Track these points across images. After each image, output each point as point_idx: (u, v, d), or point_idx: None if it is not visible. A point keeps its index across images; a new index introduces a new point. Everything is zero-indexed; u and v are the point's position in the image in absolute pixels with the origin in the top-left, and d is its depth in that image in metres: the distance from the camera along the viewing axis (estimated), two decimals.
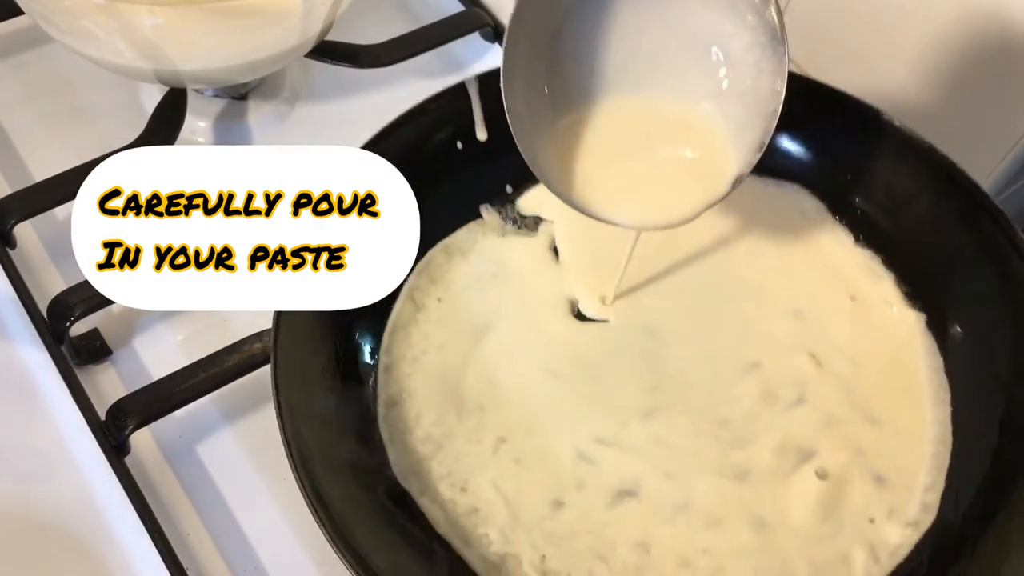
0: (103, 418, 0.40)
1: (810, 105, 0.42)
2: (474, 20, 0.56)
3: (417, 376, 0.38)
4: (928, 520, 0.35)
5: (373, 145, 0.40)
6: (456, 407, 0.38)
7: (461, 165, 0.43)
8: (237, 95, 0.52)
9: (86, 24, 0.43)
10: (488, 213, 0.43)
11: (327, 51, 0.51)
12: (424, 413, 0.37)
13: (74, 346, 0.43)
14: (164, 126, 0.48)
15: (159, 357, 0.43)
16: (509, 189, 0.44)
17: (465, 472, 0.36)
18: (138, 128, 0.48)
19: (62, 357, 0.42)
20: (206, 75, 0.48)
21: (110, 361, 0.44)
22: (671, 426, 0.37)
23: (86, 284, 0.41)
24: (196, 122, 0.51)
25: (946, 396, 0.38)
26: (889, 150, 0.42)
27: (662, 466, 0.36)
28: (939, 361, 0.39)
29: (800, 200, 0.43)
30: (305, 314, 0.37)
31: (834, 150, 0.43)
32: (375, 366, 0.39)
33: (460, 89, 0.42)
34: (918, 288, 0.41)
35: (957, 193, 0.40)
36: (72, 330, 0.43)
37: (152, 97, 0.51)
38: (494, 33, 0.56)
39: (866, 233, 0.42)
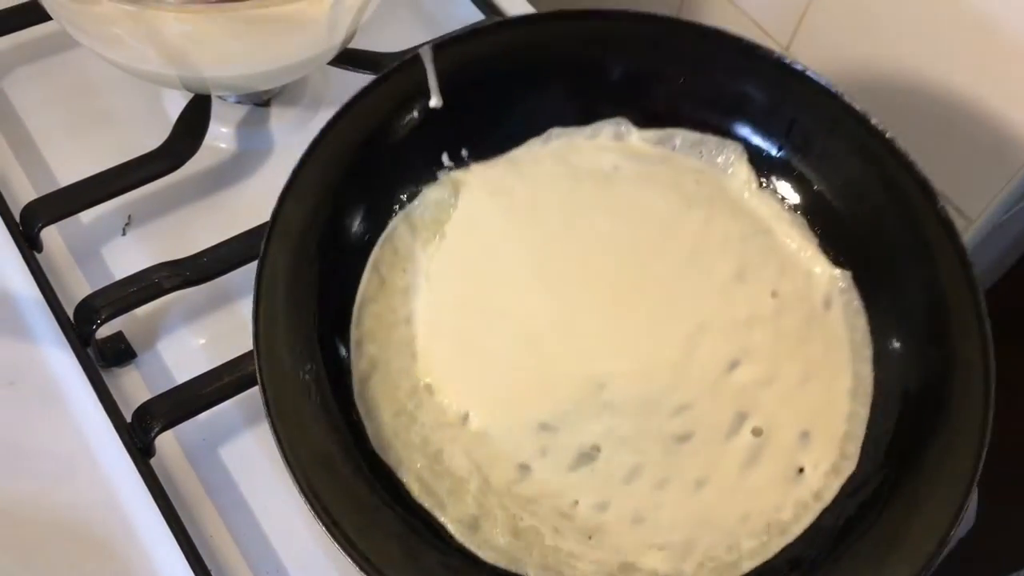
0: (129, 420, 0.41)
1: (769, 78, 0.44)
2: None
3: (387, 350, 0.41)
4: (849, 468, 0.39)
5: (337, 121, 0.42)
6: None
7: (417, 133, 0.44)
8: (260, 101, 0.53)
9: (114, 30, 0.43)
10: (444, 177, 0.45)
11: (349, 58, 0.52)
12: (396, 387, 0.40)
13: (99, 349, 0.44)
14: (188, 132, 0.49)
15: (182, 360, 0.44)
16: (465, 153, 0.46)
17: (437, 443, 0.39)
18: (162, 134, 0.49)
19: (88, 360, 0.43)
20: (231, 82, 0.48)
21: (134, 364, 0.45)
22: (623, 394, 0.41)
23: (112, 287, 0.44)
24: (219, 128, 0.52)
25: (868, 353, 0.42)
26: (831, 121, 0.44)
27: (616, 431, 0.40)
28: (864, 319, 0.42)
29: (736, 160, 0.46)
30: (282, 292, 0.38)
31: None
32: (348, 341, 0.40)
33: (415, 59, 0.43)
34: (845, 249, 0.44)
35: (884, 161, 0.42)
36: (98, 333, 0.43)
37: (175, 103, 0.52)
38: None
39: (798, 195, 0.45)
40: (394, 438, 0.39)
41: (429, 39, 0.51)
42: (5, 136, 0.51)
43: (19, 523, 0.39)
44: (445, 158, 0.45)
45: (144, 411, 0.41)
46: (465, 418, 0.40)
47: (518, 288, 0.43)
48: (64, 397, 0.42)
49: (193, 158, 0.49)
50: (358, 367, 0.40)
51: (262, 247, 0.38)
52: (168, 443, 0.42)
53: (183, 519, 0.40)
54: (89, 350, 0.44)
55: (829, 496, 0.39)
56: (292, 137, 0.53)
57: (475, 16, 0.57)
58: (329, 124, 0.41)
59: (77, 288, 0.46)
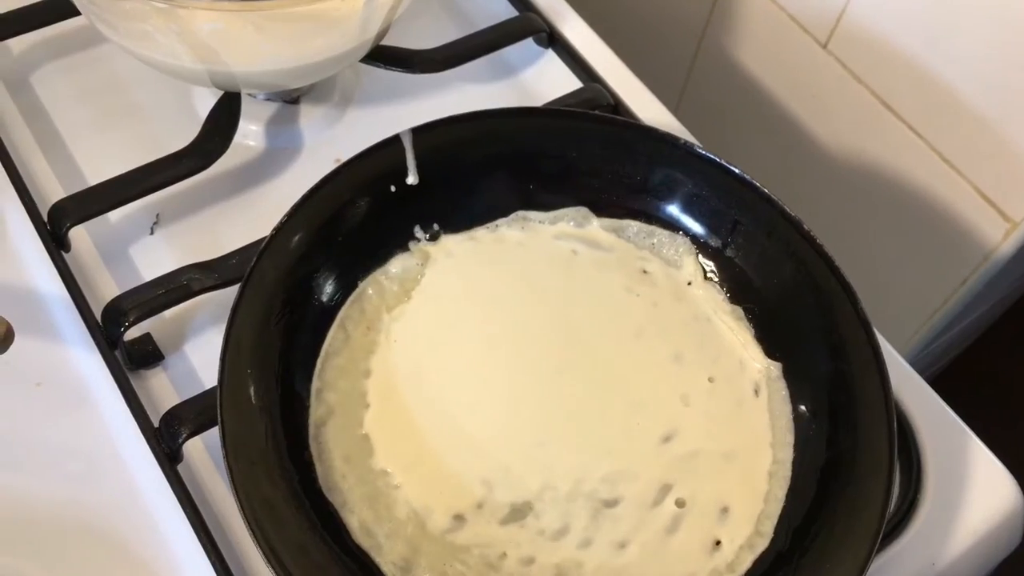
0: (156, 425, 0.41)
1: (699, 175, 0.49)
2: (528, 25, 0.57)
3: (343, 400, 0.44)
4: (763, 544, 0.42)
5: (321, 186, 0.45)
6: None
7: (394, 205, 0.47)
8: (289, 99, 0.53)
9: (144, 26, 0.42)
10: (415, 247, 0.49)
11: (381, 56, 0.52)
12: (348, 434, 0.43)
13: (127, 351, 0.44)
14: (218, 130, 0.49)
15: (210, 362, 0.43)
16: (436, 227, 0.49)
17: (380, 488, 0.42)
18: (191, 132, 0.49)
19: (116, 362, 0.43)
20: (261, 79, 0.48)
21: (162, 366, 0.45)
22: (560, 455, 0.44)
23: (140, 289, 0.44)
24: (248, 125, 0.52)
25: (790, 440, 0.45)
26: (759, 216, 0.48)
27: (549, 491, 0.43)
28: (788, 407, 0.46)
29: (684, 253, 0.50)
30: (249, 343, 0.40)
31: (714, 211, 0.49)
32: (309, 389, 0.43)
33: (395, 140, 0.47)
34: (778, 343, 0.47)
35: (813, 264, 0.46)
36: (125, 335, 0.43)
37: (205, 101, 0.52)
38: (548, 39, 0.58)
39: (736, 289, 0.49)
40: (341, 480, 0.42)
41: (460, 35, 0.53)
42: (33, 133, 0.51)
43: (45, 525, 0.40)
44: (417, 230, 0.49)
45: (172, 417, 0.41)
46: (409, 467, 0.43)
47: (470, 356, 0.47)
48: (91, 399, 0.42)
49: (222, 156, 0.48)
50: (316, 412, 0.44)
51: (236, 296, 0.42)
52: (196, 448, 0.42)
53: (210, 526, 0.39)
54: (117, 352, 0.43)
55: (741, 569, 0.42)
56: (322, 135, 0.52)
57: (507, 12, 0.57)
58: (313, 189, 0.45)
59: (105, 289, 0.46)
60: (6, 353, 0.40)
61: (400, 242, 0.49)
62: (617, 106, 0.57)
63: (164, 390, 0.44)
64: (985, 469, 0.46)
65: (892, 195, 0.66)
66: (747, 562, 0.42)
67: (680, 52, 0.77)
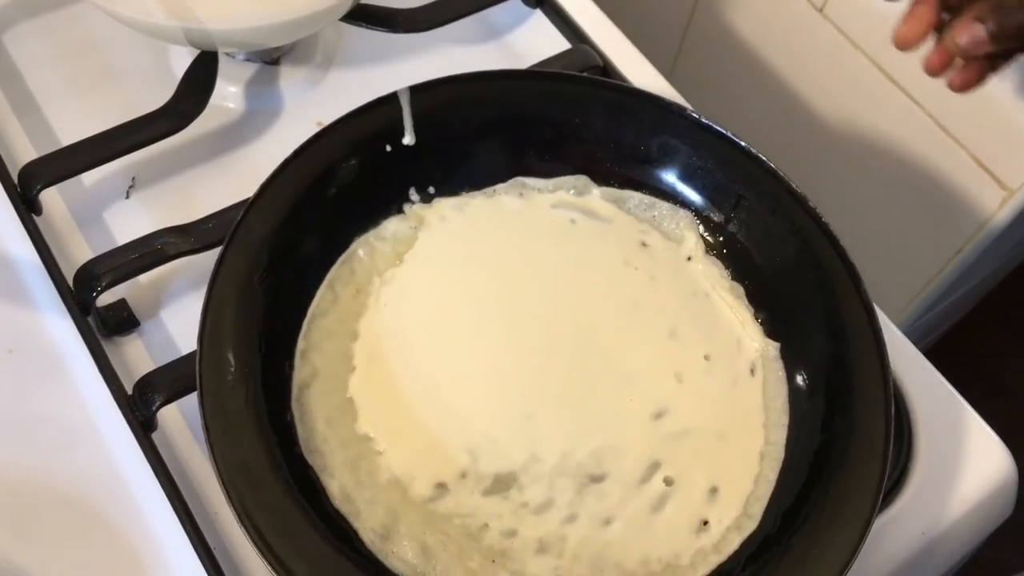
0: (130, 392, 0.40)
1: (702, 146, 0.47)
2: None
3: (329, 362, 0.43)
4: (751, 526, 0.41)
5: (314, 140, 0.44)
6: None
7: (389, 165, 0.46)
8: (269, 60, 0.52)
9: None
10: (410, 210, 0.47)
11: (362, 14, 0.51)
12: (331, 397, 0.42)
13: (101, 317, 0.43)
14: (194, 90, 0.48)
15: (187, 329, 0.43)
16: (432, 190, 0.48)
17: (363, 454, 0.41)
18: (167, 92, 0.48)
19: (88, 328, 0.42)
20: (237, 37, 0.46)
21: (137, 333, 0.44)
22: (548, 428, 0.43)
23: (113, 253, 0.43)
24: (227, 87, 0.51)
25: (784, 421, 0.44)
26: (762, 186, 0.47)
27: (535, 463, 0.42)
28: (785, 388, 0.45)
29: (685, 227, 0.49)
30: (232, 302, 0.39)
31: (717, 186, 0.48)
32: (294, 350, 0.42)
33: (392, 98, 0.45)
34: (777, 322, 0.46)
35: (818, 243, 0.45)
36: (99, 300, 0.42)
37: (182, 60, 0.50)
38: None
39: (736, 266, 0.48)
40: (323, 444, 0.41)
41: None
42: (5, 94, 0.50)
43: (17, 493, 0.39)
44: (412, 192, 0.48)
45: (145, 384, 0.40)
46: (392, 433, 0.42)
47: (461, 323, 0.45)
48: (64, 366, 0.41)
49: (200, 118, 0.47)
50: (300, 373, 0.43)
51: (220, 252, 0.41)
52: (172, 415, 0.41)
53: (185, 495, 0.39)
54: (90, 318, 0.42)
55: (728, 551, 0.41)
56: (302, 97, 0.51)
57: None
58: (304, 145, 0.44)
59: (78, 253, 0.45)
60: None
61: (394, 204, 0.48)
62: (607, 69, 0.55)
63: (139, 357, 0.43)
64: (977, 438, 0.46)
65: (888, 162, 0.65)
66: (734, 544, 0.41)
67: (674, 15, 0.75)
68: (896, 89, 0.61)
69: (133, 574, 0.38)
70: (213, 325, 0.39)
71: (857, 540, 0.38)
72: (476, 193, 0.49)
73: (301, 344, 0.43)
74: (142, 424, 0.40)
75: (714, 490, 0.42)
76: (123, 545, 0.38)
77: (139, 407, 0.40)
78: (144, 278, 0.44)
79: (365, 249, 0.47)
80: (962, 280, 0.66)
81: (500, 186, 0.50)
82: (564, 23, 0.56)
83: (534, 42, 0.56)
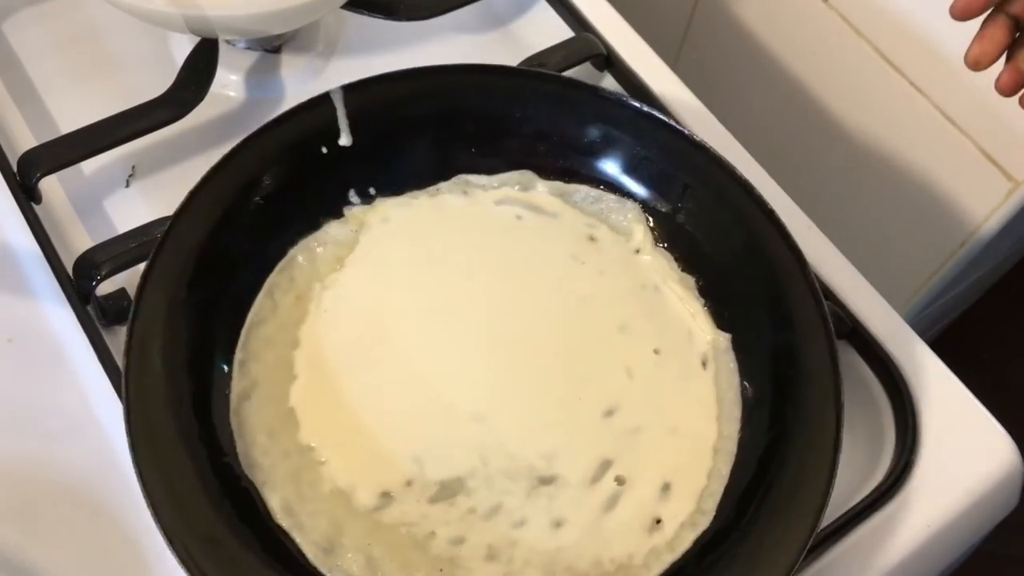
0: None
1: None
2: None
3: (269, 371, 0.42)
4: (705, 522, 0.40)
5: (245, 144, 0.43)
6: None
7: (326, 168, 0.45)
8: (270, 48, 0.51)
9: None
10: (350, 212, 0.46)
11: (364, 2, 0.51)
12: (271, 408, 0.41)
13: (100, 306, 0.43)
14: (194, 78, 0.48)
15: None
16: (372, 191, 0.47)
17: (304, 466, 0.40)
18: (168, 80, 0.48)
19: (88, 317, 0.42)
20: (238, 24, 0.46)
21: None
22: (496, 431, 0.42)
23: (113, 242, 0.43)
24: (227, 75, 0.50)
25: (737, 414, 0.43)
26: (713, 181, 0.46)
27: (483, 467, 0.41)
28: (737, 380, 0.44)
29: (633, 220, 0.48)
30: (160, 315, 0.38)
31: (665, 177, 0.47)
32: (232, 361, 0.41)
33: (325, 98, 0.45)
34: (728, 313, 0.45)
35: (763, 230, 0.44)
36: (99, 289, 0.42)
37: (183, 48, 0.50)
38: None
39: (686, 257, 0.47)
40: (263, 457, 0.40)
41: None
42: (4, 82, 0.50)
43: (16, 483, 0.39)
44: (352, 194, 0.47)
45: None
46: (337, 442, 0.41)
47: (405, 326, 0.44)
48: (64, 355, 0.41)
49: (200, 107, 0.47)
50: (239, 385, 0.42)
51: (147, 264, 0.39)
52: None
53: None
54: (89, 307, 0.42)
55: (682, 548, 0.40)
56: (304, 86, 0.51)
57: None
58: (235, 149, 0.43)
59: (78, 242, 0.45)
60: None
61: (333, 207, 0.47)
62: (610, 57, 0.54)
63: None
64: (983, 430, 0.45)
65: (893, 153, 0.64)
66: (688, 541, 0.40)
67: (679, 3, 0.75)
68: (901, 79, 0.60)
69: (133, 563, 0.38)
70: (141, 340, 0.38)
71: (809, 531, 0.37)
72: (418, 193, 0.48)
73: (239, 355, 0.42)
74: None
75: (667, 487, 0.42)
76: (123, 534, 0.38)
77: None
78: (144, 267, 0.43)
79: (305, 255, 0.45)
80: (966, 272, 0.66)
81: (443, 184, 0.48)
82: (567, 11, 0.56)
83: (537, 30, 0.56)
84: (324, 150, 0.46)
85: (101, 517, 0.39)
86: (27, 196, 0.45)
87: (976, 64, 0.40)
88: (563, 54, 0.52)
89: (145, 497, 0.35)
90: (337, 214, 0.47)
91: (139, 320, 0.38)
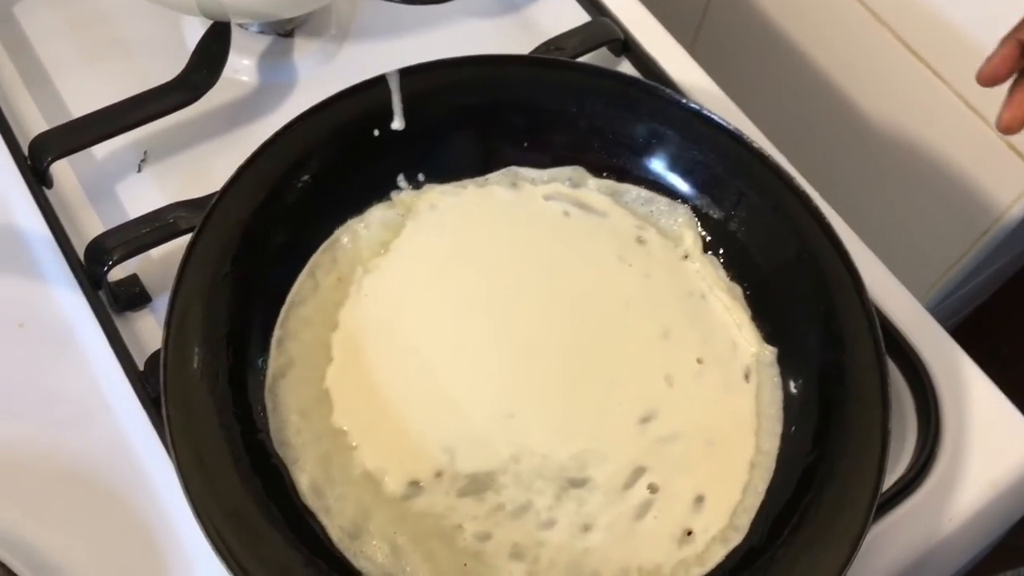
0: (141, 367, 0.40)
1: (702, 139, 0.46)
2: None
3: (305, 351, 0.42)
4: (737, 538, 0.39)
5: (297, 123, 0.42)
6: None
7: (376, 151, 0.45)
8: (283, 31, 0.51)
9: None
10: (397, 197, 0.46)
11: None
12: (306, 388, 0.41)
13: (112, 292, 0.43)
14: (207, 62, 0.47)
15: None
16: (421, 177, 0.46)
17: (335, 449, 0.40)
18: (180, 64, 0.47)
19: (100, 303, 0.42)
20: (250, 7, 0.46)
21: (149, 308, 0.43)
22: (530, 429, 0.41)
23: (125, 227, 0.43)
24: (240, 59, 0.50)
25: (778, 430, 0.42)
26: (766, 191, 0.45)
27: (515, 464, 0.40)
28: (780, 395, 0.43)
29: (683, 224, 0.47)
30: (203, 288, 0.38)
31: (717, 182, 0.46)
32: (270, 339, 0.41)
33: (380, 80, 0.44)
34: (775, 326, 0.44)
35: (820, 246, 0.43)
36: (110, 275, 0.42)
37: (195, 32, 0.49)
38: None
39: (735, 266, 0.46)
40: (295, 436, 0.40)
41: None
42: (16, 65, 0.50)
43: (27, 468, 0.39)
44: (401, 179, 0.47)
45: (157, 360, 0.39)
46: (368, 427, 0.41)
47: (445, 316, 0.44)
48: (76, 341, 0.41)
49: (212, 92, 0.47)
50: (275, 363, 0.41)
51: (192, 237, 0.39)
52: None
53: None
54: (101, 293, 0.42)
55: (712, 563, 0.39)
56: (316, 70, 0.50)
57: None
58: (286, 127, 0.43)
59: (90, 227, 0.45)
60: None
61: (381, 191, 0.46)
62: (627, 42, 0.53)
63: (151, 333, 0.43)
64: (1006, 422, 0.44)
65: (913, 141, 0.63)
66: (718, 556, 0.39)
67: None
68: (923, 67, 0.60)
69: (143, 549, 0.38)
70: (182, 312, 0.38)
71: (845, 559, 0.36)
72: (467, 182, 0.48)
73: (277, 332, 0.42)
74: (153, 400, 0.39)
75: (700, 499, 0.41)
76: (134, 520, 0.38)
77: (150, 383, 0.40)
78: (156, 253, 0.44)
79: (349, 236, 0.45)
80: (988, 261, 0.65)
81: (492, 175, 0.48)
82: None
83: (553, 15, 0.55)
84: (376, 133, 0.45)
85: (111, 502, 0.39)
86: (38, 180, 0.45)
87: (1008, 130, 0.40)
88: (580, 39, 0.51)
89: (176, 468, 0.35)
90: (385, 198, 0.46)
91: (181, 293, 0.38)
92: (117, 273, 0.43)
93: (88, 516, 0.39)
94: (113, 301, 0.43)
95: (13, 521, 0.38)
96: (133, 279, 0.44)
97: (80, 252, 0.43)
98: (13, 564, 0.37)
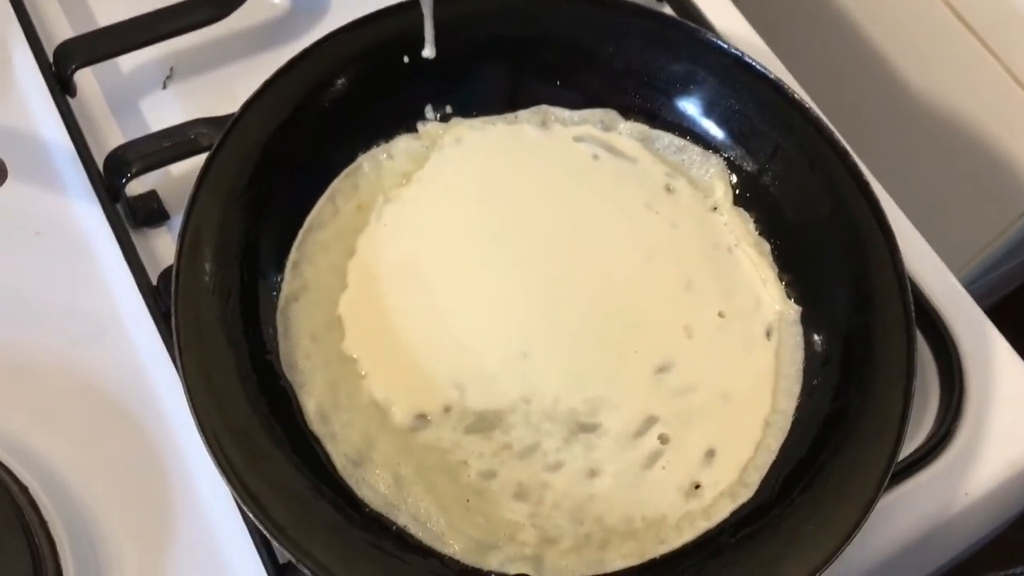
0: (155, 283, 0.40)
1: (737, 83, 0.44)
2: None
3: (321, 276, 0.41)
4: (746, 495, 0.39)
5: (325, 42, 0.42)
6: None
7: (405, 79, 0.44)
8: None
9: None
10: (423, 128, 0.45)
11: None
12: (318, 313, 0.40)
13: (131, 207, 0.42)
14: None
15: None
16: (449, 109, 0.45)
17: (344, 376, 0.39)
18: None
19: (117, 216, 0.41)
20: None
21: (167, 226, 0.43)
22: (543, 370, 0.40)
23: (146, 139, 0.42)
24: None
25: (796, 389, 0.41)
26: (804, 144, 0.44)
27: (525, 405, 0.40)
28: (800, 355, 0.42)
29: (715, 175, 0.45)
30: (219, 204, 0.37)
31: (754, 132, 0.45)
32: (285, 261, 0.40)
33: (414, 4, 0.43)
34: (801, 285, 0.43)
35: (855, 204, 0.42)
36: (129, 189, 0.42)
37: None
38: None
39: (765, 221, 0.44)
40: (304, 360, 0.39)
41: None
42: None
43: (37, 377, 0.39)
44: (428, 110, 0.45)
45: (170, 274, 0.38)
46: (378, 357, 0.40)
47: (464, 250, 0.43)
48: (91, 253, 0.41)
49: (243, 12, 0.47)
50: (289, 286, 0.41)
51: (211, 151, 0.38)
52: None
53: None
54: (119, 206, 0.42)
55: (718, 517, 0.38)
56: None
57: None
58: (314, 46, 0.42)
59: (111, 139, 0.44)
60: (6, 197, 0.39)
61: (408, 120, 0.45)
62: None
63: (168, 250, 0.42)
64: None
65: (957, 113, 0.61)
66: (725, 511, 0.38)
67: None
68: (973, 38, 0.58)
69: (147, 464, 0.38)
70: (197, 226, 0.37)
71: (855, 522, 0.35)
72: (496, 118, 0.46)
73: (293, 255, 0.41)
74: (165, 316, 0.39)
75: (711, 453, 0.40)
76: (139, 435, 0.38)
77: (163, 298, 0.40)
78: (176, 171, 0.43)
79: (372, 164, 0.44)
80: None
81: (522, 112, 0.47)
82: None
83: None
84: (405, 59, 0.44)
85: (118, 418, 0.39)
86: (62, 88, 0.44)
87: None
88: None
89: (182, 381, 0.34)
90: (411, 128, 0.45)
91: (197, 206, 0.37)
92: (136, 188, 0.43)
93: (94, 428, 0.39)
94: (131, 215, 0.43)
95: (19, 426, 0.38)
96: (152, 195, 0.44)
97: (100, 163, 0.43)
98: (14, 467, 0.37)
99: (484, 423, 0.39)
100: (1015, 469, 0.41)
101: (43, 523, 0.36)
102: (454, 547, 0.36)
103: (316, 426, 0.38)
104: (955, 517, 0.41)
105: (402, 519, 0.37)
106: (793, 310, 0.43)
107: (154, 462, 0.38)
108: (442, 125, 0.46)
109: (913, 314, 0.39)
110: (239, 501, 0.33)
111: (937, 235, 0.49)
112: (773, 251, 0.44)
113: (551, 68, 0.46)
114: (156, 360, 0.39)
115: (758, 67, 0.44)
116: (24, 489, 0.36)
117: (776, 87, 0.44)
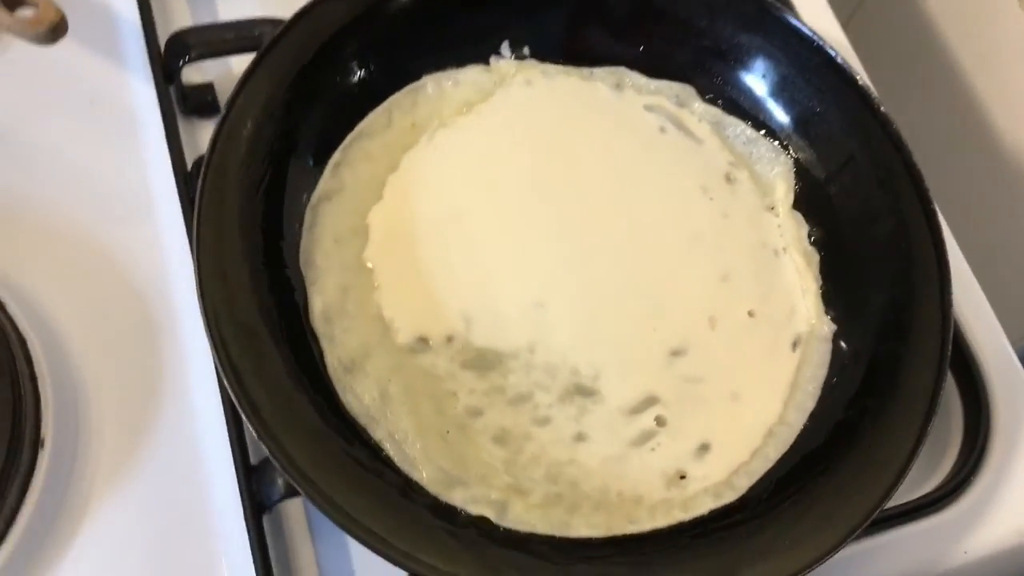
0: (189, 169, 0.41)
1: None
2: None
3: (358, 182, 0.41)
4: (730, 497, 0.37)
5: None
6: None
7: (489, 7, 0.43)
8: None
9: None
10: (496, 64, 0.44)
11: None
12: (348, 216, 0.40)
13: (184, 93, 0.43)
14: None
15: None
16: (527, 51, 0.44)
17: (356, 282, 0.39)
18: None
19: (168, 97, 0.42)
20: None
21: (217, 120, 0.42)
22: (556, 324, 0.39)
23: (210, 27, 0.42)
24: None
25: (809, 407, 0.39)
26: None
27: (528, 354, 0.39)
28: (823, 373, 0.40)
29: (779, 175, 0.44)
30: (269, 88, 0.37)
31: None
32: (326, 159, 0.40)
33: None
34: (842, 303, 0.41)
35: (916, 230, 0.40)
36: (187, 76, 0.42)
37: None
38: None
39: (820, 231, 0.43)
40: (322, 258, 0.39)
41: None
42: None
43: (61, 237, 0.40)
44: (505, 46, 0.45)
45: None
46: (400, 273, 0.40)
47: (506, 191, 0.42)
48: (138, 131, 0.42)
49: None
50: (326, 184, 0.41)
51: (267, 43, 0.38)
52: None
53: None
54: (172, 88, 0.42)
55: (695, 512, 0.37)
56: None
57: None
58: None
59: (179, 22, 0.45)
60: (63, 53, 0.39)
61: (483, 52, 0.45)
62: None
63: None
64: None
65: None
66: (704, 507, 0.37)
67: None
68: None
69: (147, 344, 0.39)
70: (236, 115, 0.37)
71: (827, 550, 0.33)
72: (572, 69, 0.45)
73: (337, 156, 0.41)
74: (191, 201, 0.39)
75: (705, 447, 0.38)
76: (145, 316, 0.39)
77: (193, 184, 0.39)
78: (236, 62, 0.43)
79: (435, 86, 0.44)
80: None
81: (599, 70, 0.45)
82: None
83: None
84: None
85: (129, 296, 0.39)
86: None
87: None
88: None
89: (196, 272, 0.34)
90: (483, 60, 0.45)
91: (242, 94, 0.37)
92: (194, 76, 0.43)
93: (104, 299, 0.39)
94: (182, 101, 0.43)
95: (34, 282, 0.39)
96: (208, 87, 0.44)
97: (162, 42, 0.43)
98: (19, 318, 0.37)
99: (483, 361, 0.39)
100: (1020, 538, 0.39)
101: (33, 377, 0.36)
102: (422, 473, 0.36)
103: (318, 324, 0.38)
104: (946, 574, 0.38)
105: (379, 434, 0.37)
106: (828, 327, 0.41)
107: (153, 344, 0.39)
108: (515, 63, 0.45)
109: (948, 353, 0.37)
110: (223, 377, 0.33)
111: (997, 291, 0.46)
112: (823, 263, 0.42)
113: (638, 31, 0.45)
114: (176, 246, 0.40)
115: (849, 71, 0.42)
116: (23, 342, 0.37)
117: (863, 95, 0.42)
